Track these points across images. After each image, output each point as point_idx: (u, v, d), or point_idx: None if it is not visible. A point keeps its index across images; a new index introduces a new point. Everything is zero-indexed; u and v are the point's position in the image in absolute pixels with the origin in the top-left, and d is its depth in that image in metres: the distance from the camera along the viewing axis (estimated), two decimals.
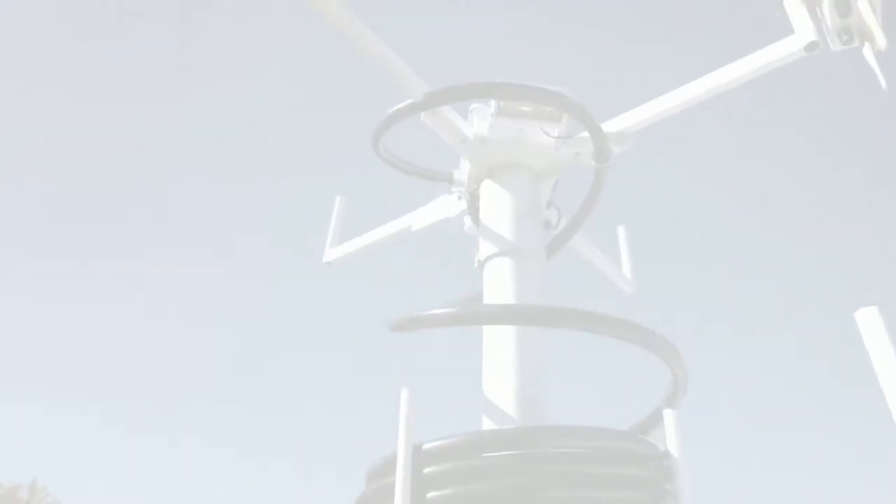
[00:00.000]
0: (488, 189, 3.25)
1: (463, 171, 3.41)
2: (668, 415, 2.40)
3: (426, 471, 2.25)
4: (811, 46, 2.69)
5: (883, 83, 2.61)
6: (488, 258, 3.05)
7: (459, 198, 3.48)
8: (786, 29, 2.77)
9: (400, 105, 3.06)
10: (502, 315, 2.79)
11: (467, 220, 3.41)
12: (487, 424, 2.63)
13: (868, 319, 1.46)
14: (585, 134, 3.10)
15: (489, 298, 2.97)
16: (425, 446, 2.29)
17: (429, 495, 2.22)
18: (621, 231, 4.20)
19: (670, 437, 2.36)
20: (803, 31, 2.71)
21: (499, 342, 2.75)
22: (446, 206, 3.61)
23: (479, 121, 3.20)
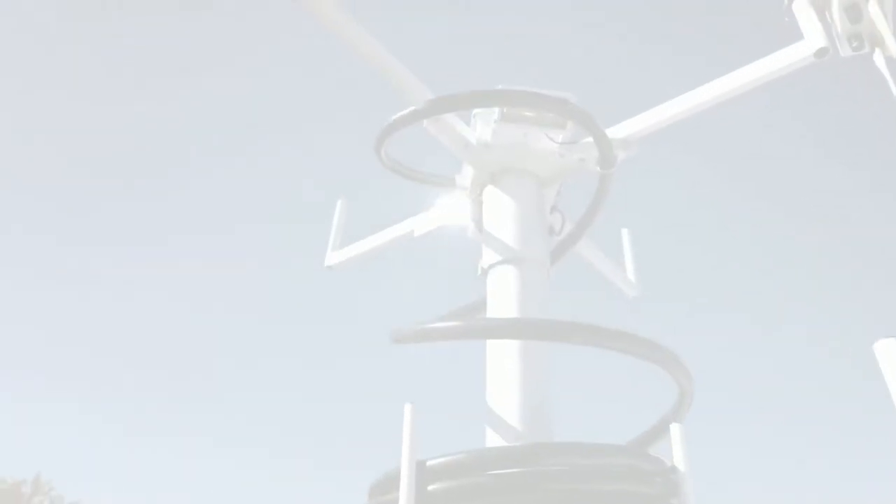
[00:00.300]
0: (491, 195, 3.20)
1: (466, 176, 3.36)
2: (675, 429, 2.36)
3: (430, 488, 2.21)
4: (821, 52, 2.64)
5: (894, 89, 2.56)
6: (492, 265, 3.00)
7: (462, 203, 3.43)
8: (795, 34, 2.71)
9: (402, 112, 3.01)
10: (506, 329, 2.74)
11: (470, 226, 3.36)
12: (491, 438, 2.59)
13: (887, 350, 1.42)
14: (590, 139, 3.06)
15: (493, 306, 2.93)
16: (429, 463, 2.25)
17: None
18: (625, 234, 4.14)
19: (677, 451, 2.32)
20: (813, 37, 2.66)
21: (503, 355, 2.71)
22: (449, 211, 3.56)
23: (482, 126, 3.15)
